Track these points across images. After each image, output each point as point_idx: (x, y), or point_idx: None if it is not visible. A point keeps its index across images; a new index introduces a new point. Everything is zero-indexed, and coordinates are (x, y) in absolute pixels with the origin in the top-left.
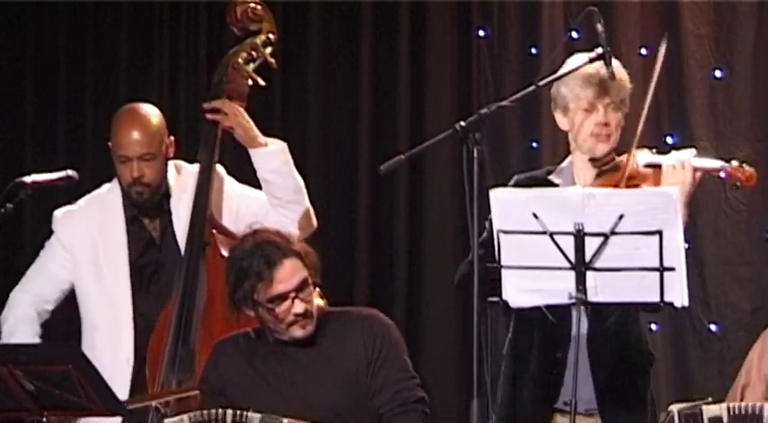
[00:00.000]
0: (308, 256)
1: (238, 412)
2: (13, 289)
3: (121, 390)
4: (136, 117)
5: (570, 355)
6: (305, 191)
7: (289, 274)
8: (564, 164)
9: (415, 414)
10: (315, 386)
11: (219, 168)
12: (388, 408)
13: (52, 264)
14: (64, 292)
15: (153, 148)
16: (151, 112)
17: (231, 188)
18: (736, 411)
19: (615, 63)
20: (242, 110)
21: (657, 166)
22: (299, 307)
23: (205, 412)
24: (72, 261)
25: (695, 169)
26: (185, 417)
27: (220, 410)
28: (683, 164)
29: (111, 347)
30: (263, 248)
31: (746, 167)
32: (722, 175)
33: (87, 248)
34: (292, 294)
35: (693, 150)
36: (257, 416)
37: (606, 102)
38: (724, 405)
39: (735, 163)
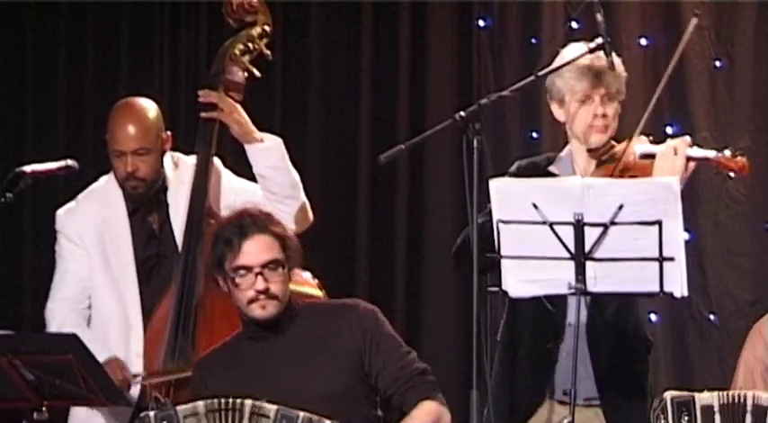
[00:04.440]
0: (287, 240)
1: (257, 403)
2: (46, 306)
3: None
4: (131, 112)
5: (564, 345)
6: (301, 186)
7: (258, 249)
8: (563, 153)
9: (423, 386)
10: (303, 378)
11: (216, 161)
12: (395, 386)
13: (71, 264)
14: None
15: (147, 142)
16: (147, 107)
17: (228, 181)
18: (725, 400)
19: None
20: (238, 106)
21: (653, 156)
22: (260, 284)
23: (223, 401)
24: (86, 255)
25: (688, 158)
26: (200, 403)
27: (238, 400)
28: (677, 150)
29: (122, 342)
30: (241, 220)
31: (739, 158)
32: (715, 163)
33: (95, 242)
34: (257, 270)
35: (688, 138)
36: (273, 407)
37: (602, 92)
38: (715, 393)
39: (728, 152)
